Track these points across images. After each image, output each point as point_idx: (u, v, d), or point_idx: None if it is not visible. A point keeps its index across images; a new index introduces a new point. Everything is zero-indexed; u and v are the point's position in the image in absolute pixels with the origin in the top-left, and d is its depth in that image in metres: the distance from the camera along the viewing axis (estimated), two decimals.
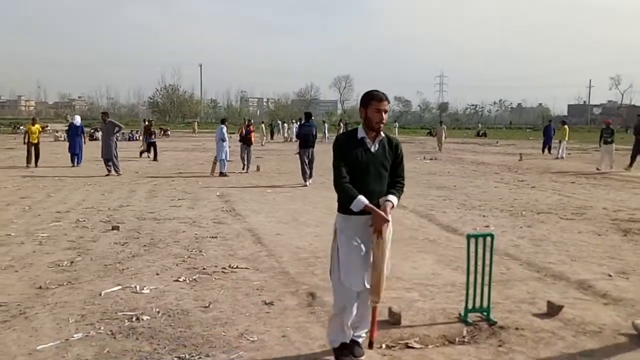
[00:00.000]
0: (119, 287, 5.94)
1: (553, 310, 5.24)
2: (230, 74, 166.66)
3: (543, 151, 30.59)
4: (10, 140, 41.60)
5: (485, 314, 5.11)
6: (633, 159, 20.32)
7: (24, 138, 20.85)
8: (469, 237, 5.07)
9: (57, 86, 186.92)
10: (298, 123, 32.75)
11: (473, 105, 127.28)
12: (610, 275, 6.64)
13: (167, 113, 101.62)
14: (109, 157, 17.79)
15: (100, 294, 5.68)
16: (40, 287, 5.93)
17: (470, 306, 5.08)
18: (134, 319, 4.99)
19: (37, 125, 21.22)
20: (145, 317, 5.03)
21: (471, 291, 5.08)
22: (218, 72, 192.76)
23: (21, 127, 56.90)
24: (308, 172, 15.82)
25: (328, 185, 15.43)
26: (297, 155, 16.41)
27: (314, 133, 16.33)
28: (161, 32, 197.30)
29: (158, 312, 5.18)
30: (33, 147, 20.28)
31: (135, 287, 5.90)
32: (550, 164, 22.92)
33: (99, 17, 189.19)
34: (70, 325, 4.84)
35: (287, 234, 8.78)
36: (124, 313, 5.14)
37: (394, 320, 4.96)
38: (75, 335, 4.60)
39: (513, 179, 17.65)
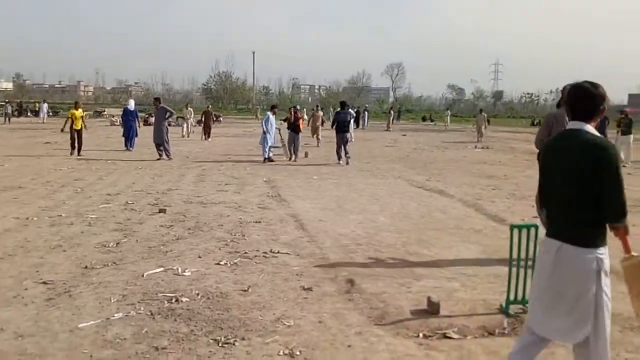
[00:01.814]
0: (161, 268, 6.03)
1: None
2: (282, 61, 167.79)
3: None
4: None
5: (527, 305, 4.97)
6: None
7: (65, 124, 19.63)
8: (512, 227, 4.93)
9: (115, 72, 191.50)
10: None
11: (529, 93, 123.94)
12: None
13: (220, 99, 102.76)
14: (160, 142, 18.12)
15: (142, 275, 5.78)
16: (86, 267, 6.07)
17: (512, 298, 4.95)
18: (173, 300, 5.06)
19: (80, 110, 19.49)
20: (184, 299, 5.09)
21: (513, 282, 4.95)
22: (270, 60, 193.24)
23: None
24: (343, 153, 17.63)
25: (374, 173, 15.43)
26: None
27: (349, 119, 18.63)
28: (215, 20, 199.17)
29: (197, 294, 5.24)
30: (76, 134, 18.95)
31: (177, 269, 5.98)
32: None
33: (154, 5, 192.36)
34: (111, 305, 4.94)
35: (330, 221, 8.76)
36: (164, 294, 5.22)
37: (433, 309, 4.87)
38: (115, 315, 4.69)
39: (629, 166, 17.21)
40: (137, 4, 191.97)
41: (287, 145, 18.73)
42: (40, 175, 13.36)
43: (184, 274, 5.87)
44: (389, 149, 24.55)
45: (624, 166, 17.53)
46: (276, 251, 6.83)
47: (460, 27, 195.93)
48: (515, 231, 4.94)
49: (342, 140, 17.63)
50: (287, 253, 6.79)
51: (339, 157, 17.65)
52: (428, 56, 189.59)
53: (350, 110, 33.04)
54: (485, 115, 33.12)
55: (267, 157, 17.79)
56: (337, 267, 6.26)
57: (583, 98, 3.18)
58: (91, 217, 8.61)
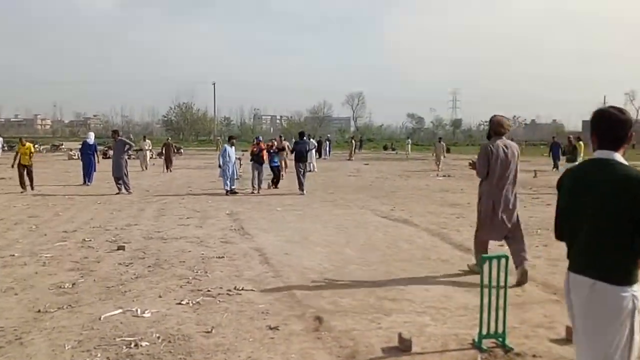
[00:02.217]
0: (120, 310, 5.75)
1: (572, 335, 4.97)
2: (243, 92, 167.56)
3: (553, 168, 30.28)
4: None
5: (500, 339, 4.85)
6: None
7: (14, 161, 18.27)
8: (483, 259, 4.83)
9: (73, 105, 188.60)
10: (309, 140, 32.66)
11: (487, 121, 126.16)
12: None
13: (181, 131, 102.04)
14: (119, 175, 17.74)
15: (99, 318, 5.49)
16: (39, 311, 5.75)
17: (484, 332, 4.82)
18: (132, 345, 4.79)
19: (27, 145, 18.49)
20: (144, 343, 4.82)
21: (485, 316, 4.82)
22: (231, 91, 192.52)
23: (36, 146, 57.30)
24: (298, 184, 17.98)
25: (338, 203, 15.32)
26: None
27: (307, 149, 19.11)
28: (175, 52, 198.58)
29: (158, 337, 4.98)
30: (25, 170, 17.95)
31: (137, 311, 5.71)
32: None
33: (113, 37, 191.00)
34: (66, 352, 4.65)
35: (296, 254, 8.57)
36: (123, 339, 4.94)
37: (404, 347, 4.71)
38: None
39: (527, 196, 17.32)
40: (94, 35, 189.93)
41: (251, 177, 18.37)
42: None
43: (144, 315, 5.60)
44: (352, 179, 24.52)
45: None
46: (240, 288, 6.60)
47: (417, 57, 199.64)
48: (486, 262, 4.84)
49: (301, 169, 18.14)
50: (251, 290, 6.56)
51: (301, 188, 17.86)
52: (388, 86, 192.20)
53: (311, 140, 33.25)
54: (444, 144, 33.41)
55: (228, 189, 17.49)
56: (304, 303, 6.06)
57: (611, 125, 3.00)
58: (46, 257, 8.26)
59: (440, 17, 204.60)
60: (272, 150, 19.23)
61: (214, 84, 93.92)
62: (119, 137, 18.56)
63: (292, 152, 19.01)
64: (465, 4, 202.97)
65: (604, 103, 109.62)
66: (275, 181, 19.46)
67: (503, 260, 4.82)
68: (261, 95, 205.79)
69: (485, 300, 4.82)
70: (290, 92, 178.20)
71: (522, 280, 6.79)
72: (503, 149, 7.02)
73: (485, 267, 4.85)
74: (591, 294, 2.91)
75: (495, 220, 7.12)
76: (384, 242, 9.63)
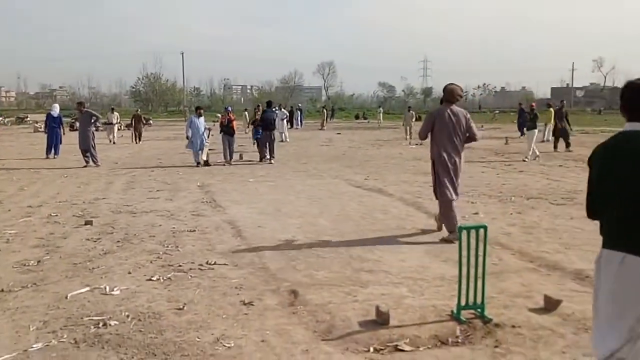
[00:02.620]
0: (87, 288, 5.54)
1: (551, 304, 4.91)
2: (212, 62, 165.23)
3: (520, 136, 30.37)
4: None
5: (479, 310, 4.77)
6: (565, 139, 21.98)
7: None
8: (460, 229, 4.71)
9: (38, 77, 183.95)
10: (279, 110, 32.30)
11: None
12: None
13: (149, 102, 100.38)
14: (86, 148, 17.32)
15: (66, 297, 5.28)
16: (2, 290, 5.50)
17: (463, 303, 4.73)
18: (100, 324, 4.60)
19: None
20: (113, 322, 4.63)
21: (464, 287, 4.73)
22: (200, 61, 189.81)
23: (0, 119, 55.85)
24: (268, 152, 18.18)
25: (311, 173, 15.16)
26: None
27: (274, 117, 18.88)
28: (143, 21, 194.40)
29: (127, 316, 4.79)
30: None
31: (105, 288, 5.50)
32: (541, 148, 22.63)
33: (79, 7, 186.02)
34: (30, 334, 4.43)
35: (269, 226, 8.40)
36: (91, 318, 4.75)
37: (382, 320, 4.59)
38: (34, 346, 4.20)
39: (500, 163, 17.37)
40: (58, 4, 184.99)
41: (222, 149, 18.01)
42: None
43: (113, 293, 5.39)
44: (325, 148, 24.34)
45: (523, 160, 17.83)
46: (213, 262, 6.42)
47: (388, 25, 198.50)
48: (464, 233, 4.73)
49: (267, 138, 18.22)
50: (224, 264, 6.39)
51: (262, 157, 18.31)
52: (358, 55, 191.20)
53: (283, 110, 32.89)
54: (413, 112, 32.95)
55: (199, 161, 17.15)
56: (278, 277, 5.92)
57: None
58: (9, 233, 7.96)
59: None
60: (255, 124, 18.94)
61: (182, 53, 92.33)
62: (85, 109, 18.08)
63: (260, 120, 18.72)
64: None
65: (573, 69, 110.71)
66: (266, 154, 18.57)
67: (481, 231, 4.71)
68: (231, 65, 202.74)
69: (464, 271, 4.72)
70: (260, 62, 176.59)
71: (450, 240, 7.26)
72: (448, 115, 7.53)
73: (463, 237, 4.73)
74: (620, 268, 2.84)
75: (450, 179, 7.65)
76: (358, 212, 9.52)
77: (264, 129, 18.22)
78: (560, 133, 22.38)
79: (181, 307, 5.00)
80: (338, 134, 36.08)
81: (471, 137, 7.74)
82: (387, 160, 18.58)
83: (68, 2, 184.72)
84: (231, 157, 17.79)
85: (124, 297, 5.27)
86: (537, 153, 18.22)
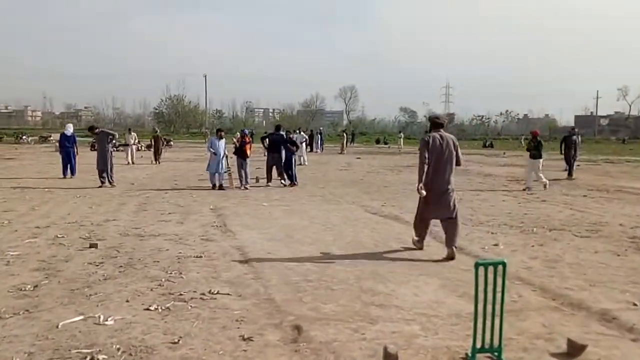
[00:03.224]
0: (81, 317, 5.25)
1: (575, 350, 4.52)
2: (235, 84, 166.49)
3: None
4: (11, 149, 41.09)
5: (496, 354, 4.39)
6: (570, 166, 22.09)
7: None
8: (477, 265, 4.35)
9: (64, 96, 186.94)
10: (298, 133, 32.18)
11: (479, 116, 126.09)
12: (635, 305, 5.91)
13: (172, 123, 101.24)
14: (103, 168, 17.19)
15: (57, 326, 5.00)
16: None
17: (478, 345, 4.36)
18: (88, 358, 4.30)
19: None
20: (101, 357, 4.33)
21: (479, 327, 4.36)
22: (223, 83, 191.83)
23: (24, 137, 56.54)
24: (278, 175, 18.36)
25: (328, 198, 14.85)
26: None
27: (281, 141, 18.45)
28: (167, 43, 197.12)
29: (118, 349, 4.49)
30: None
31: (99, 318, 5.21)
32: (559, 176, 22.15)
33: (105, 28, 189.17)
34: None
35: (279, 253, 8.08)
36: (79, 351, 4.45)
37: None
38: None
39: (522, 192, 16.91)
40: (85, 26, 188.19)
41: (237, 172, 17.67)
42: None
43: (106, 323, 5.10)
44: (343, 173, 24.03)
45: (524, 190, 17.14)
46: (215, 292, 6.11)
47: (411, 50, 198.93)
48: (481, 269, 4.37)
49: (273, 161, 18.36)
50: (227, 294, 6.08)
51: (268, 179, 18.44)
52: (380, 79, 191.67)
53: (302, 133, 32.75)
54: (402, 135, 32.08)
55: (215, 184, 16.92)
56: (283, 309, 5.58)
57: None
58: (12, 255, 7.73)
59: (436, 10, 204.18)
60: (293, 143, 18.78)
61: (205, 76, 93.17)
62: (100, 129, 18.01)
63: (267, 143, 19.03)
64: (459, 6, 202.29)
65: (597, 98, 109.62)
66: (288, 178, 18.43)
67: (500, 267, 4.35)
68: (254, 88, 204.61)
69: (480, 309, 4.37)
70: (283, 85, 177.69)
71: (449, 257, 7.90)
72: (438, 140, 8.06)
73: (480, 273, 4.37)
74: None
75: (433, 201, 8.09)
76: (372, 240, 9.17)
77: (270, 152, 18.51)
78: (570, 160, 22.25)
79: (176, 340, 4.69)
80: (358, 158, 35.78)
81: (457, 162, 8.21)
82: (405, 186, 18.15)
83: (94, 23, 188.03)
84: (246, 181, 17.38)
85: (118, 328, 4.97)
86: (545, 180, 17.50)
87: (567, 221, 11.27)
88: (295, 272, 7.04)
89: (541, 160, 17.78)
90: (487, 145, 63.06)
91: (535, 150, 17.80)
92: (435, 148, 8.00)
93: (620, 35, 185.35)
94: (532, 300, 6.04)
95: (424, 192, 7.98)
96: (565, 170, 22.72)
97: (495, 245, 8.86)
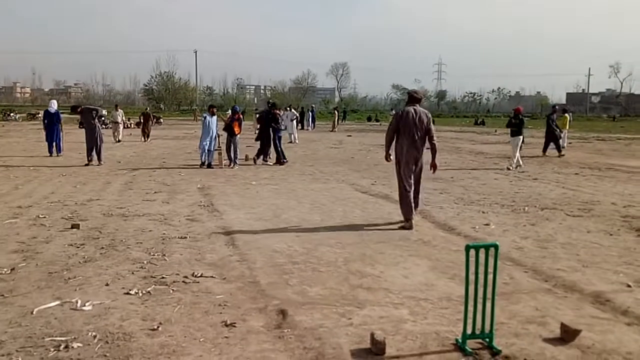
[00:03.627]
0: (58, 302, 5.05)
1: (568, 334, 4.37)
2: (226, 61, 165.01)
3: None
4: None
5: (487, 340, 4.24)
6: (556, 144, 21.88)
7: None
8: (468, 248, 4.17)
9: (53, 73, 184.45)
10: (289, 110, 31.88)
11: (471, 93, 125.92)
12: (629, 286, 5.78)
13: (162, 100, 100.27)
14: (92, 145, 16.86)
15: (32, 312, 4.80)
16: None
17: (469, 331, 4.20)
18: (62, 346, 4.11)
19: None
20: (76, 345, 4.14)
21: (470, 312, 4.20)
22: (214, 60, 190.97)
23: (11, 114, 55.80)
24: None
25: (317, 177, 14.65)
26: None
27: (264, 118, 18.41)
28: (157, 18, 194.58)
29: (94, 336, 4.30)
30: None
31: (76, 303, 5.02)
32: (551, 154, 22.01)
33: (94, 4, 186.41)
34: None
35: (265, 234, 7.89)
36: (53, 338, 4.26)
37: (377, 349, 4.07)
38: None
39: (513, 170, 16.75)
40: (75, 2, 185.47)
41: (225, 150, 17.36)
42: None
43: (84, 308, 4.91)
44: (334, 151, 23.80)
45: (508, 169, 16.76)
46: (199, 274, 5.92)
47: (403, 27, 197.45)
48: (472, 252, 4.19)
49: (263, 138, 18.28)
50: (211, 276, 5.89)
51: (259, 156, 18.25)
52: (373, 57, 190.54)
53: (293, 110, 32.43)
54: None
55: (203, 161, 16.65)
56: (267, 293, 5.41)
57: None
58: None
59: None
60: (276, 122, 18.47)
61: (196, 52, 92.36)
62: (83, 107, 17.66)
63: (257, 121, 18.89)
64: None
65: (589, 75, 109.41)
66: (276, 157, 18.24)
67: (492, 250, 4.17)
68: (245, 65, 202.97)
69: (471, 293, 4.20)
70: (274, 63, 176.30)
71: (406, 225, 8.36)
72: (412, 113, 8.45)
73: (471, 256, 4.20)
74: None
75: (408, 172, 8.59)
76: (362, 220, 9.00)
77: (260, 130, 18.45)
78: (551, 138, 22.12)
79: (156, 327, 4.50)
80: (349, 136, 35.50)
81: (429, 137, 8.51)
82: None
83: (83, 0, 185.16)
84: (235, 159, 17.12)
85: (95, 314, 4.78)
86: (520, 162, 17.19)
87: (559, 200, 11.13)
88: (282, 253, 6.86)
89: (521, 137, 17.38)
90: (478, 122, 62.83)
91: (515, 127, 17.46)
92: (407, 122, 8.42)
93: (612, 15, 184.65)
94: (524, 282, 5.90)
95: (391, 159, 8.81)
96: (563, 148, 22.74)
97: (487, 225, 8.71)
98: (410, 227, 8.34)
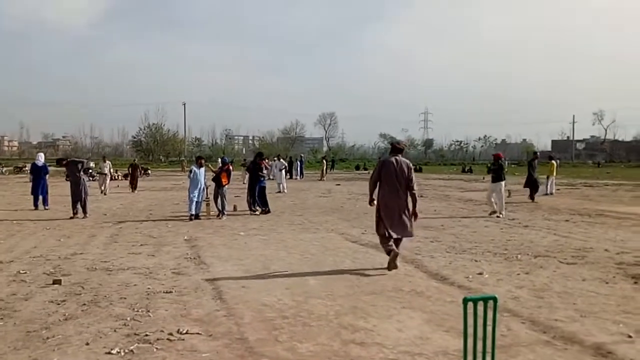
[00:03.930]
0: None
1: None
2: (214, 112, 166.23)
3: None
4: None
5: None
6: (532, 190, 22.36)
7: None
8: (465, 301, 4.00)
9: (41, 126, 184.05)
10: (277, 160, 31.95)
11: (458, 141, 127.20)
12: (630, 336, 5.60)
13: (150, 152, 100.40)
14: (77, 199, 16.61)
15: None
16: None
17: None
18: None
19: None
20: None
21: None
22: (202, 111, 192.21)
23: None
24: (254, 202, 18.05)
25: (306, 226, 14.47)
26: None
27: (251, 168, 18.76)
28: (145, 72, 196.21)
29: None
30: None
31: None
32: (540, 201, 21.99)
33: (82, 57, 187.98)
34: None
35: (254, 287, 7.66)
36: None
37: None
38: None
39: (504, 217, 16.66)
40: (62, 55, 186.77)
41: (213, 200, 17.18)
42: None
43: None
44: (323, 200, 23.67)
45: (498, 216, 16.51)
46: (184, 331, 5.68)
47: (388, 77, 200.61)
48: (470, 305, 4.02)
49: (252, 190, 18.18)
50: (197, 333, 5.64)
51: (250, 208, 18.09)
52: (360, 106, 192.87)
53: (281, 160, 32.45)
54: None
55: (193, 213, 16.22)
56: (256, 350, 5.16)
57: None
58: None
59: (408, 42, 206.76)
60: (260, 171, 18.32)
61: (184, 104, 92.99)
62: (68, 159, 17.51)
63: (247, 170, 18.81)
64: (435, 34, 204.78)
65: (573, 122, 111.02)
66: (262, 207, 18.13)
67: (490, 303, 4.00)
68: (233, 115, 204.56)
69: (469, 344, 4.01)
70: (263, 112, 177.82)
71: (391, 264, 8.66)
72: (394, 163, 8.87)
73: (469, 310, 4.02)
74: None
75: (388, 219, 8.83)
76: (353, 270, 8.79)
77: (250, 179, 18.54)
78: (530, 184, 22.53)
79: None
80: (337, 184, 35.45)
81: (410, 187, 8.87)
82: None
83: (71, 52, 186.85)
84: (223, 209, 16.86)
85: None
86: (495, 209, 16.98)
87: (551, 247, 10.99)
88: (271, 307, 6.63)
89: (502, 183, 17.10)
90: (466, 170, 63.19)
91: (495, 173, 17.26)
92: (389, 170, 8.82)
93: (595, 62, 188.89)
94: (521, 334, 5.69)
95: (374, 204, 9.09)
96: (548, 194, 23.07)
97: (480, 274, 8.53)
98: (390, 252, 8.72)
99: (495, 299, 4.00)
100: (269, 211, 17.82)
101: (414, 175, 8.94)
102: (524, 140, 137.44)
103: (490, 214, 16.92)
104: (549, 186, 25.95)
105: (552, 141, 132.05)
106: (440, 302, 6.91)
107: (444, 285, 7.83)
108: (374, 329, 5.84)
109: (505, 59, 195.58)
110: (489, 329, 4.01)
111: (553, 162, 27.39)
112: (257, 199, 17.93)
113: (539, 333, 5.73)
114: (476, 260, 9.64)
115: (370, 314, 6.37)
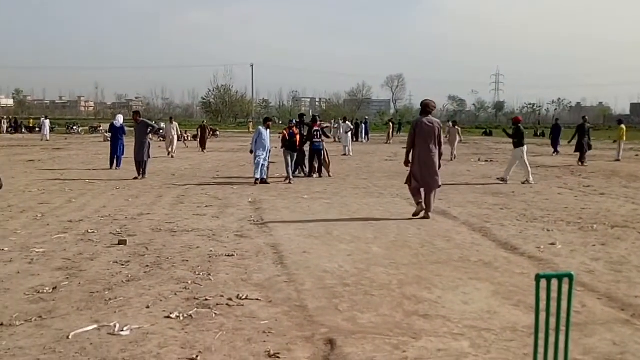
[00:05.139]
0: (95, 325, 4.80)
1: None
2: (282, 74, 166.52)
3: (553, 153, 29.50)
4: (61, 140, 41.66)
5: None
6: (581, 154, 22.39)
7: None
8: (538, 277, 3.69)
9: (115, 87, 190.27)
10: (343, 123, 31.70)
11: (530, 104, 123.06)
12: None
13: (219, 113, 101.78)
14: (140, 160, 16.86)
15: (68, 337, 4.55)
16: (1, 324, 4.84)
17: None
18: None
19: None
20: None
21: (541, 344, 3.71)
22: (270, 73, 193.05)
23: (74, 127, 57.35)
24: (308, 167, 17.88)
25: (371, 191, 14.24)
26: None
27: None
28: (215, 33, 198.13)
29: None
30: None
31: (115, 327, 4.75)
32: (617, 167, 20.98)
33: (154, 20, 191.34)
34: None
35: (316, 252, 7.53)
36: None
37: None
38: None
39: (578, 183, 15.95)
40: (136, 18, 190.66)
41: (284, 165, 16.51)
42: (3, 198, 12.07)
43: (121, 333, 4.63)
44: (388, 163, 23.32)
45: (526, 182, 15.70)
46: (244, 297, 5.60)
47: (459, 39, 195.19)
48: (543, 282, 3.70)
49: (310, 152, 17.83)
50: (257, 299, 5.56)
51: (289, 173, 16.39)
52: (428, 68, 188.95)
53: (347, 122, 32.15)
54: (458, 128, 28.67)
55: (258, 177, 15.72)
56: (315, 319, 5.03)
57: None
58: (37, 252, 7.38)
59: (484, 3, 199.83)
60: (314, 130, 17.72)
61: (252, 65, 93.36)
62: (141, 119, 17.67)
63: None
64: None
65: None
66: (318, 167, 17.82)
67: (566, 280, 3.68)
68: (300, 77, 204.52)
69: (541, 322, 3.72)
70: (330, 75, 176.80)
71: (424, 217, 9.97)
72: (425, 123, 9.89)
73: (542, 288, 3.72)
74: None
75: (422, 175, 9.95)
76: (418, 238, 8.53)
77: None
78: (579, 148, 22.41)
79: (194, 356, 4.18)
80: (404, 148, 34.81)
81: (438, 143, 9.97)
82: (453, 178, 17.34)
83: (142, 15, 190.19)
84: (293, 175, 16.41)
85: (132, 340, 4.50)
86: (508, 177, 16.16)
87: (630, 217, 10.39)
88: (332, 274, 6.48)
89: (524, 148, 16.22)
90: (538, 134, 61.04)
91: (515, 138, 16.44)
92: (422, 129, 9.85)
93: None
94: (597, 311, 5.34)
95: (409, 165, 10.18)
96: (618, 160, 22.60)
97: (552, 244, 8.12)
98: (419, 213, 10.03)
99: (571, 276, 3.67)
100: (312, 176, 17.53)
101: (442, 132, 10.14)
102: (601, 103, 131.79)
103: (499, 179, 16.29)
104: (621, 152, 25.10)
105: (631, 104, 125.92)
106: (509, 273, 6.59)
107: (513, 255, 7.49)
108: (439, 300, 5.61)
109: (582, 17, 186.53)
110: (563, 306, 3.70)
111: (622, 126, 26.11)
112: (308, 162, 17.85)
113: (616, 310, 5.36)
114: (548, 230, 9.20)
115: (434, 284, 6.13)
